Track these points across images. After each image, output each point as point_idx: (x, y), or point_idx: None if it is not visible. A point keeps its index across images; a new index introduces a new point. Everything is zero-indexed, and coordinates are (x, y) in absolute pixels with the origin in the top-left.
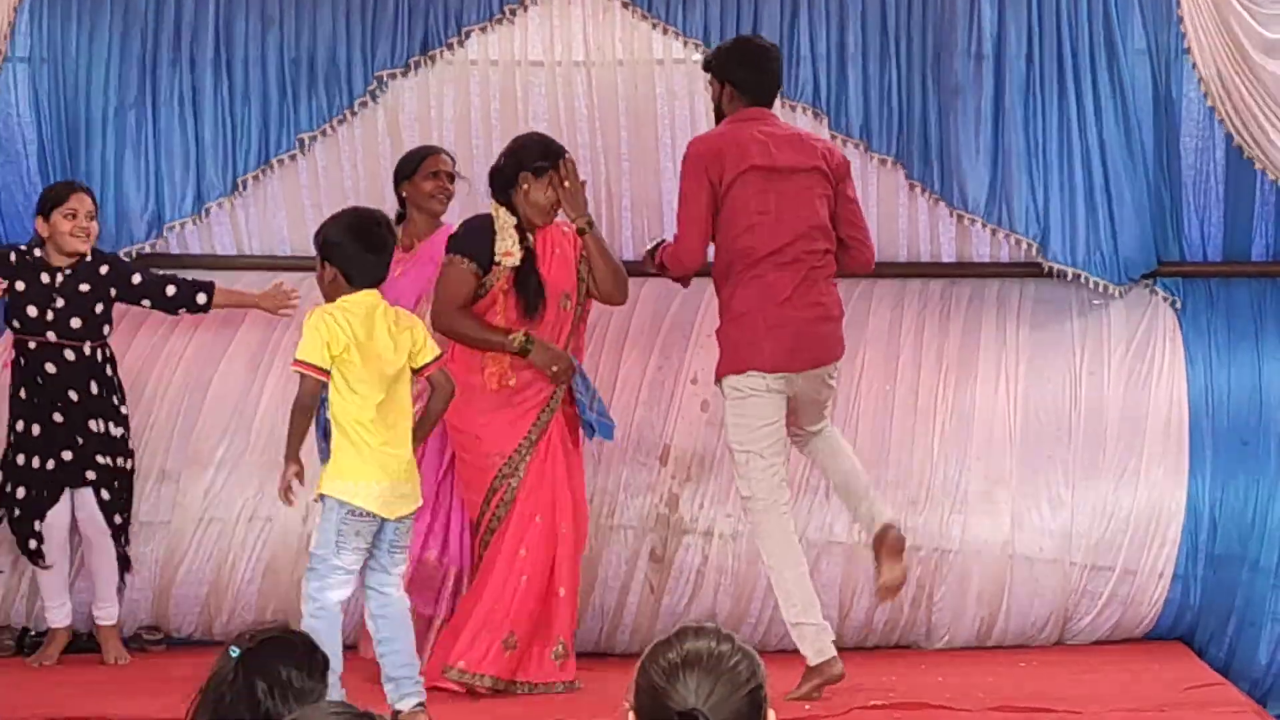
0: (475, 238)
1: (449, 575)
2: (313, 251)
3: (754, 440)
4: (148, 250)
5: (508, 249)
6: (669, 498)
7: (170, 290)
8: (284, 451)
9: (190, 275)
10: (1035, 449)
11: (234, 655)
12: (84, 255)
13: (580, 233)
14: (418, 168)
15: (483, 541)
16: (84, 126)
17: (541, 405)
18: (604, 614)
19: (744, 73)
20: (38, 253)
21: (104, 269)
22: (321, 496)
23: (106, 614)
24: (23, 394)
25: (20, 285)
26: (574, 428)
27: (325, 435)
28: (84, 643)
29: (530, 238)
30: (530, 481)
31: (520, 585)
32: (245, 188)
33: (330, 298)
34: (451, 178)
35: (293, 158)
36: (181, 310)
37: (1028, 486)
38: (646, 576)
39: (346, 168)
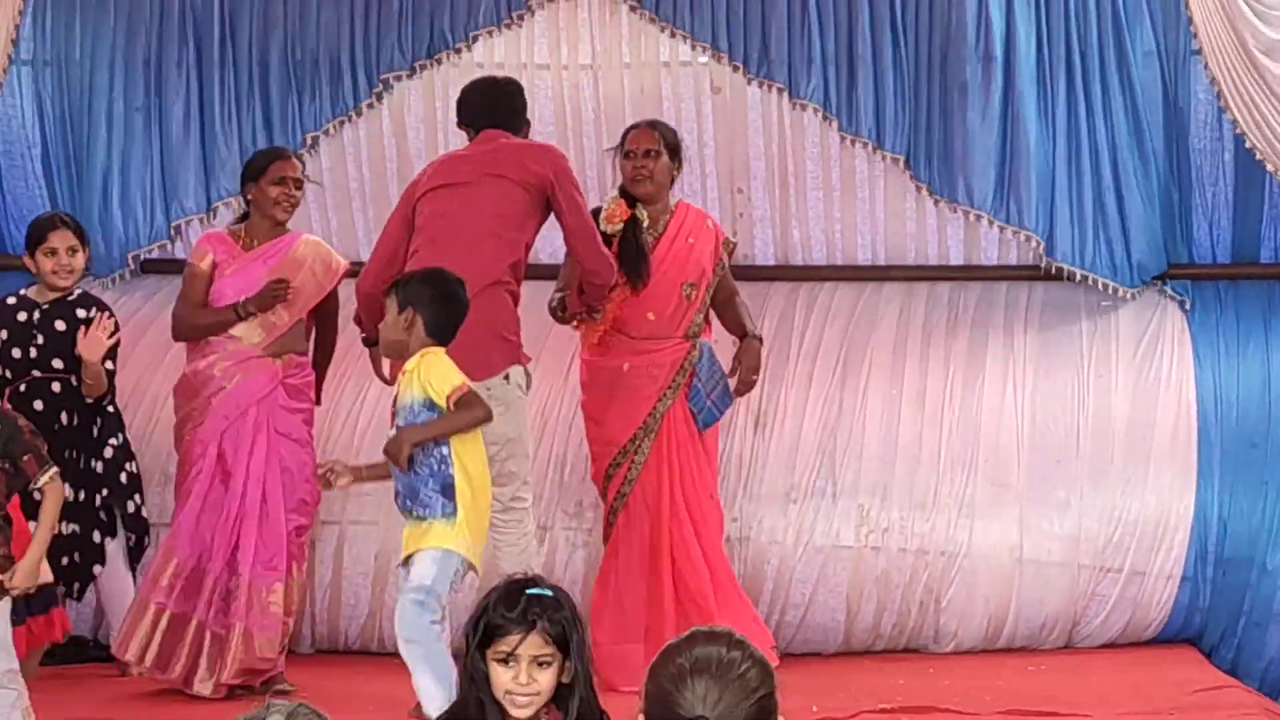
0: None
1: (216, 581)
2: None
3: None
4: (155, 254)
5: (608, 213)
6: None
7: (108, 364)
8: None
9: None
10: (1043, 452)
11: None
12: (68, 291)
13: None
14: (264, 171)
15: (605, 531)
16: (88, 128)
17: (658, 395)
18: None
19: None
20: (22, 293)
21: (81, 313)
22: (444, 551)
23: None
24: None
25: (3, 334)
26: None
27: (446, 491)
28: (94, 651)
29: (642, 211)
30: (647, 473)
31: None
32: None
33: (399, 343)
34: (299, 184)
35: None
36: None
37: (1036, 490)
38: None
39: (352, 170)
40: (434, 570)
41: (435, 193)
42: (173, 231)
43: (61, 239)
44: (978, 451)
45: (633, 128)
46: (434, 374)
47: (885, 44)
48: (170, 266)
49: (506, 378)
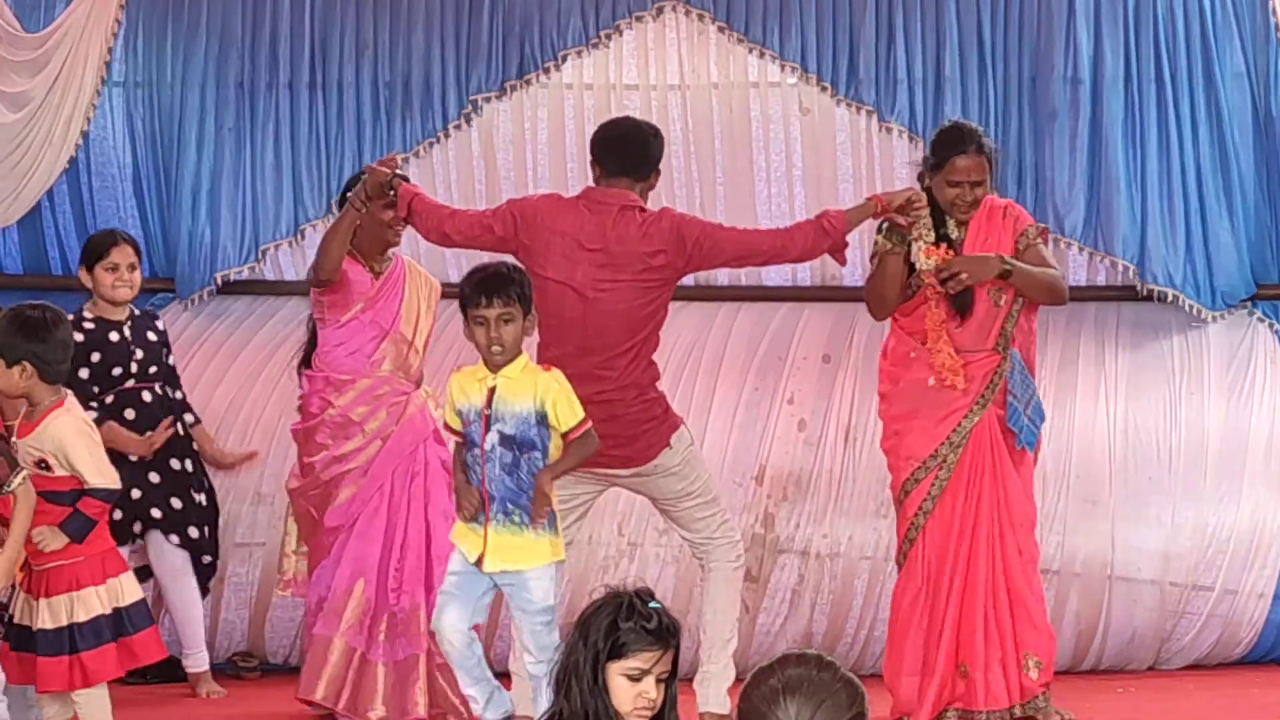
0: None
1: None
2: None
3: None
4: (245, 275)
5: (926, 246)
6: (765, 517)
7: (178, 394)
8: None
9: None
10: (1135, 469)
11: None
12: (130, 307)
13: (1004, 276)
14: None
15: (902, 551)
16: (178, 150)
17: (966, 408)
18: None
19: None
20: (88, 315)
21: (159, 323)
22: (556, 565)
23: (194, 661)
24: None
25: (95, 356)
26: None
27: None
28: (174, 670)
29: (957, 230)
30: (950, 491)
31: (948, 609)
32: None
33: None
34: None
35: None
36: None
37: (1128, 507)
38: (742, 596)
39: (441, 191)
40: (551, 588)
41: (561, 282)
42: (260, 254)
43: (123, 255)
44: (1069, 468)
45: (957, 149)
46: (563, 402)
47: (973, 66)
48: (257, 288)
49: (671, 446)
